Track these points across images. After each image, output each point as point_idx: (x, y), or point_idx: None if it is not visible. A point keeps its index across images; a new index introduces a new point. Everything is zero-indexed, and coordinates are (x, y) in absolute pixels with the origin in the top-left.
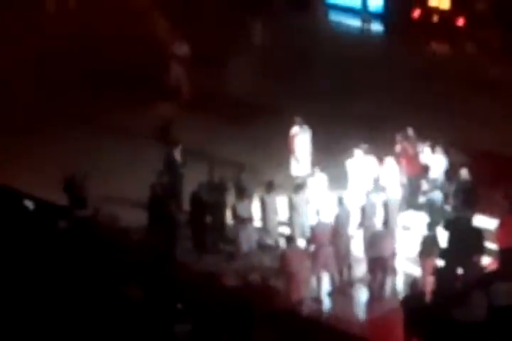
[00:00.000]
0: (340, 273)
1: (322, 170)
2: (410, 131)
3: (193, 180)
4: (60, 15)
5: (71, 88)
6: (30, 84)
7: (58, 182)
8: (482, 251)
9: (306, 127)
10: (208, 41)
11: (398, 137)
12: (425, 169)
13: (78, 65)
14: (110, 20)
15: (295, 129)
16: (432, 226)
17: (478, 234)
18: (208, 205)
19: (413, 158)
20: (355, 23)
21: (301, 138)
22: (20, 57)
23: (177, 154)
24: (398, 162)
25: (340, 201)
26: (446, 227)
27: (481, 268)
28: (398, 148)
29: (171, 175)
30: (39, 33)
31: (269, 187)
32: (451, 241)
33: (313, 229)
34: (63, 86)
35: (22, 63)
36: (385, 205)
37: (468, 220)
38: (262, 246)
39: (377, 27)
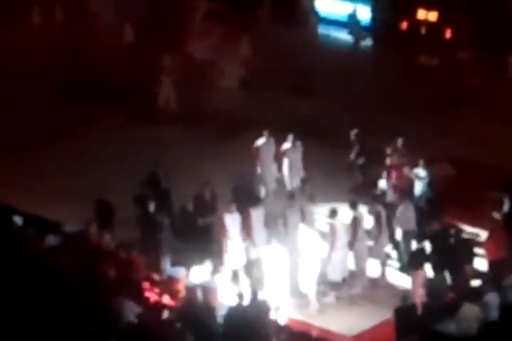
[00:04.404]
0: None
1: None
2: (400, 142)
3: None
4: (47, 27)
5: (58, 102)
6: (16, 97)
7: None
8: (472, 262)
9: (298, 143)
10: (195, 54)
11: (388, 149)
12: (410, 181)
13: (65, 78)
14: (97, 32)
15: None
16: (420, 239)
17: (468, 245)
18: (197, 219)
19: (402, 170)
20: (345, 36)
21: (293, 153)
22: (7, 69)
23: (161, 170)
24: (389, 174)
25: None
26: (436, 239)
27: (472, 280)
28: (389, 160)
29: (155, 190)
30: (25, 45)
31: (257, 200)
32: (440, 253)
33: None
34: (49, 100)
35: (8, 75)
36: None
37: (457, 232)
38: (250, 260)
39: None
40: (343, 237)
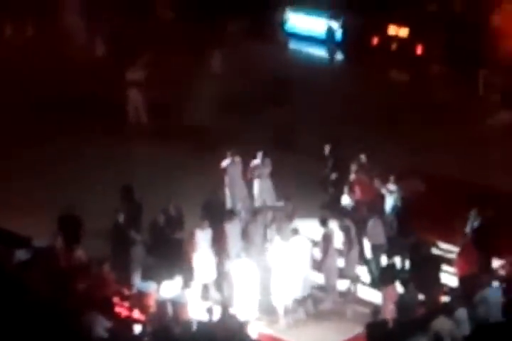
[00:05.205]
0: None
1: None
2: (363, 158)
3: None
4: (18, 41)
5: (29, 115)
6: None
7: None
8: (441, 278)
9: (267, 161)
10: (166, 69)
11: (353, 166)
12: (381, 197)
13: (37, 91)
14: (67, 48)
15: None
16: (391, 254)
17: (438, 261)
18: (167, 234)
19: (368, 186)
20: (316, 51)
21: (262, 170)
22: None
23: (133, 184)
24: (353, 190)
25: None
26: (406, 254)
27: (442, 295)
28: (353, 176)
29: (129, 206)
30: None
31: (230, 215)
32: (411, 268)
33: None
34: (20, 112)
35: None
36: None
37: (428, 247)
38: (221, 274)
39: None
40: (304, 255)
